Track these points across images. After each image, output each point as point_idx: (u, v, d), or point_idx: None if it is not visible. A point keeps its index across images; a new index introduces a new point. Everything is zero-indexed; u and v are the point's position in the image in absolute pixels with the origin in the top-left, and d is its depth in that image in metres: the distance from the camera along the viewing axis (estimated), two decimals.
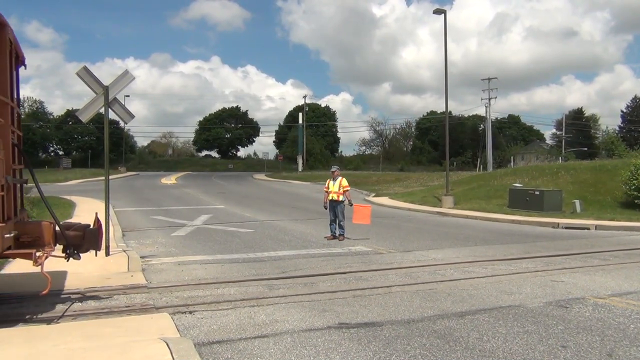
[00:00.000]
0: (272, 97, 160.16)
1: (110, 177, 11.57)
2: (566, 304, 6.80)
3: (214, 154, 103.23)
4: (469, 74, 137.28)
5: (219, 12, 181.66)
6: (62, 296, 7.06)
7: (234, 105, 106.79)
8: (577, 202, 19.64)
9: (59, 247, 6.40)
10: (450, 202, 23.39)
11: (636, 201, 19.61)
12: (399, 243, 12.68)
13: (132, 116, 10.94)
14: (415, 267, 9.46)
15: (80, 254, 6.60)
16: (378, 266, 9.55)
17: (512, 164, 63.32)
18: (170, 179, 49.83)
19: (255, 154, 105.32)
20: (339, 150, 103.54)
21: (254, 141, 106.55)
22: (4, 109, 5.91)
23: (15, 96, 6.76)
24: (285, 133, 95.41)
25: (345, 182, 13.41)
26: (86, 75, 10.22)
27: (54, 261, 6.61)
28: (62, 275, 8.02)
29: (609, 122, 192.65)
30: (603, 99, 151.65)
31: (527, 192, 21.39)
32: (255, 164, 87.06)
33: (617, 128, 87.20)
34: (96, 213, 7.50)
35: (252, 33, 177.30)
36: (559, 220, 17.51)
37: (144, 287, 7.60)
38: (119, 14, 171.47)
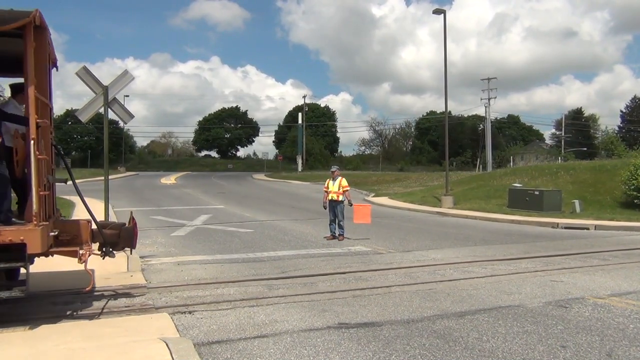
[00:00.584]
0: (272, 97, 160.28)
1: (110, 177, 11.58)
2: (566, 304, 6.81)
3: (214, 154, 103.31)
4: (468, 74, 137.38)
5: (219, 12, 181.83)
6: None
7: (234, 105, 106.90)
8: (576, 202, 19.66)
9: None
10: (450, 202, 23.40)
11: (635, 201, 19.63)
12: (398, 243, 12.68)
13: (131, 116, 10.94)
14: (414, 267, 9.46)
15: (115, 252, 6.76)
16: (378, 266, 9.55)
17: (511, 164, 63.31)
18: (169, 179, 49.82)
19: (254, 154, 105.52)
20: (339, 150, 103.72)
21: (253, 141, 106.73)
22: (45, 110, 6.05)
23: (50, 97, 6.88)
24: (285, 133, 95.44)
25: (345, 182, 13.41)
26: (86, 75, 10.23)
27: (55, 261, 6.61)
28: (64, 275, 8.03)
29: (609, 122, 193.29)
30: (602, 99, 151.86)
31: (527, 192, 21.40)
32: (254, 164, 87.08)
33: (617, 128, 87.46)
34: (131, 212, 7.56)
35: (251, 33, 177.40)
36: (558, 220, 17.52)
37: (144, 287, 7.60)
38: (119, 14, 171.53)
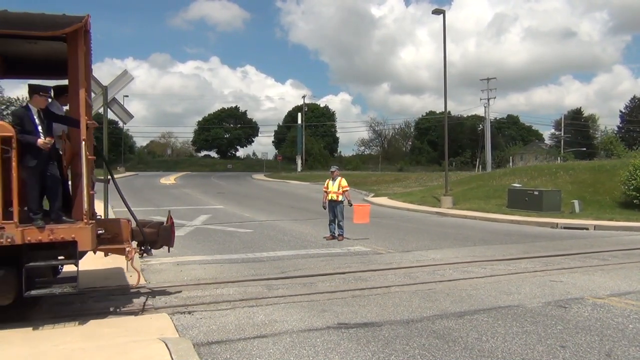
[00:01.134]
0: (271, 97, 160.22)
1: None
2: (565, 304, 6.81)
3: (213, 154, 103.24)
4: (467, 74, 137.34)
5: (219, 13, 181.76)
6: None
7: (233, 105, 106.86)
8: (576, 202, 19.66)
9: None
10: (449, 202, 23.41)
11: (635, 201, 19.63)
12: (398, 243, 12.68)
13: (131, 116, 10.94)
14: (414, 267, 9.47)
15: (153, 251, 6.95)
16: (377, 266, 9.55)
17: (511, 164, 63.33)
18: (169, 179, 49.78)
19: (254, 154, 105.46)
20: (338, 151, 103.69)
21: (253, 141, 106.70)
22: (89, 112, 6.25)
23: None
24: (285, 133, 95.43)
25: (344, 182, 13.41)
26: None
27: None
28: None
29: (608, 122, 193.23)
30: (602, 99, 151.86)
31: (526, 192, 21.40)
32: (254, 164, 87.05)
33: (616, 128, 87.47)
34: (169, 211, 7.65)
35: (251, 33, 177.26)
36: (557, 220, 17.52)
37: (143, 287, 7.61)
38: (119, 14, 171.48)
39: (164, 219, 7.36)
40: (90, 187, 5.89)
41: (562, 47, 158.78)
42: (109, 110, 10.45)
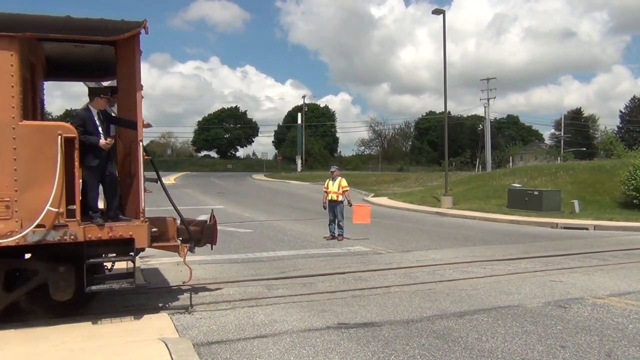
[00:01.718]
0: (271, 97, 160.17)
1: None
2: (565, 304, 6.81)
3: (213, 154, 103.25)
4: (467, 74, 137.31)
5: (218, 13, 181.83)
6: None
7: (233, 105, 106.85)
8: (575, 202, 19.66)
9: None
10: (449, 202, 23.41)
11: (635, 201, 19.64)
12: (397, 243, 12.68)
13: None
14: (414, 267, 9.46)
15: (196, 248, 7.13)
16: (377, 266, 9.55)
17: (511, 164, 63.31)
18: (169, 179, 49.68)
19: (254, 154, 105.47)
20: (338, 151, 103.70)
21: (253, 141, 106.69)
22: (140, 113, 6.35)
23: None
24: (284, 133, 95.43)
25: (344, 183, 13.41)
26: None
27: None
28: None
29: (608, 122, 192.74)
30: (601, 99, 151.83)
31: (526, 192, 21.40)
32: (254, 164, 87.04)
33: (616, 128, 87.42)
34: (212, 210, 7.76)
35: (251, 33, 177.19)
36: (557, 220, 17.52)
37: (143, 287, 7.60)
38: (118, 14, 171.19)
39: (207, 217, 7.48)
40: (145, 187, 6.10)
41: (561, 47, 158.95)
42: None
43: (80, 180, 5.87)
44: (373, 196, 31.50)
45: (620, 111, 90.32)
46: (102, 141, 5.90)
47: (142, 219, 5.89)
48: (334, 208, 13.18)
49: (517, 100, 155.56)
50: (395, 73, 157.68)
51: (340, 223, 13.13)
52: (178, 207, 6.95)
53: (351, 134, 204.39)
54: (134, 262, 5.90)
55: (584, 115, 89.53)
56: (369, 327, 5.81)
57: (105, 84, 7.85)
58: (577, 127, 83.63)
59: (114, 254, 5.91)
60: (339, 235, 13.10)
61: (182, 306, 6.66)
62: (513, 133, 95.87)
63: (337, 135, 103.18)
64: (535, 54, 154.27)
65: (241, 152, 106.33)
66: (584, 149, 69.45)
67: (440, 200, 24.12)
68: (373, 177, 50.11)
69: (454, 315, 6.29)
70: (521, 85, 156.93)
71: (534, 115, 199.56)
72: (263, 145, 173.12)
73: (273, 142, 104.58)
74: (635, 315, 6.32)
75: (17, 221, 5.33)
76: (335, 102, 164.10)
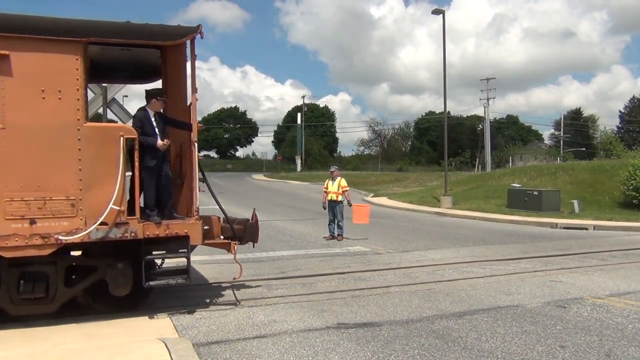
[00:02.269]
0: (271, 98, 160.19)
1: None
2: (564, 304, 6.82)
3: (213, 154, 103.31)
4: (467, 74, 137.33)
5: (218, 13, 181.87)
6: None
7: (233, 105, 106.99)
8: (575, 202, 19.66)
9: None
10: (449, 202, 23.40)
11: (634, 201, 19.64)
12: (397, 243, 12.68)
13: (130, 116, 10.89)
14: (413, 267, 9.46)
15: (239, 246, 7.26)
16: (377, 266, 9.55)
17: (510, 164, 63.29)
18: None
19: (254, 154, 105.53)
20: (338, 151, 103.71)
21: (252, 141, 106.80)
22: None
23: None
24: (284, 133, 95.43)
25: (344, 183, 13.41)
26: None
27: None
28: None
29: (607, 122, 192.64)
30: (601, 99, 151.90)
31: (526, 192, 21.39)
32: (254, 164, 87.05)
33: (616, 128, 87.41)
34: (254, 208, 7.82)
35: (250, 34, 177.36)
36: (557, 220, 17.53)
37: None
38: (118, 15, 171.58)
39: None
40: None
41: (561, 47, 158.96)
42: (108, 110, 10.43)
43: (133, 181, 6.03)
44: (372, 196, 31.50)
45: (620, 111, 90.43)
46: (160, 142, 6.11)
47: (196, 216, 6.10)
48: (333, 208, 13.19)
49: (516, 100, 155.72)
50: (395, 73, 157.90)
51: (340, 223, 13.13)
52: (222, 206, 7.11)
53: (351, 134, 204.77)
54: (188, 258, 6.06)
55: (583, 116, 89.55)
56: (369, 327, 5.82)
57: (146, 86, 7.99)
58: (576, 127, 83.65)
59: (167, 251, 6.10)
60: (338, 235, 13.10)
61: (181, 306, 6.66)
62: (513, 133, 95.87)
63: (337, 135, 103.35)
64: (535, 54, 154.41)
65: (241, 152, 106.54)
66: (584, 149, 69.46)
67: (440, 200, 24.12)
68: (373, 177, 50.13)
69: (454, 315, 6.30)
70: (521, 86, 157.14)
71: (533, 115, 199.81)
72: (263, 145, 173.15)
73: (273, 142, 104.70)
74: (634, 316, 6.32)
75: (81, 219, 5.53)
76: (335, 102, 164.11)
